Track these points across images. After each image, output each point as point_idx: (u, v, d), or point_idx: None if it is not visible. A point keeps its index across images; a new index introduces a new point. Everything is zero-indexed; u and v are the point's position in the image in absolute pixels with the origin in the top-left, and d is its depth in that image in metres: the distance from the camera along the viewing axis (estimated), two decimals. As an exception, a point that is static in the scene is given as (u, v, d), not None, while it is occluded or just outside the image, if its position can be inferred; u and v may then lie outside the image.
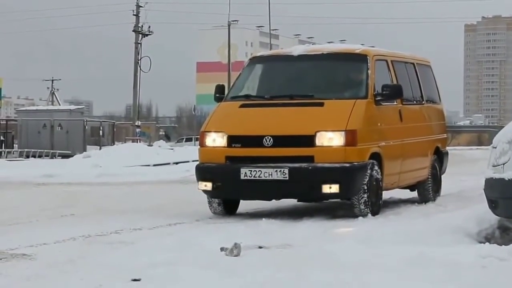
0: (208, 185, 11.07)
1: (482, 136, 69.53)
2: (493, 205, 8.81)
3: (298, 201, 12.17)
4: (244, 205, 11.89)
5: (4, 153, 41.44)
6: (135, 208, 12.76)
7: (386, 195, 12.23)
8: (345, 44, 14.20)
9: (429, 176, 13.10)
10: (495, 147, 8.92)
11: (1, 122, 46.90)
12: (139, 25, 47.69)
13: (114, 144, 44.40)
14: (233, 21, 68.10)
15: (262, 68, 12.26)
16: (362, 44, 12.76)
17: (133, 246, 8.41)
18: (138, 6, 48.14)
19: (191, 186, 13.15)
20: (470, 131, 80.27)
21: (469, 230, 9.02)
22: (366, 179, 10.81)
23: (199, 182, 11.22)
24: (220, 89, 11.97)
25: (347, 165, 10.63)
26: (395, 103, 11.91)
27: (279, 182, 10.64)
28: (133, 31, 47.80)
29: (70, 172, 22.04)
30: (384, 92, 11.40)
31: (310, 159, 10.65)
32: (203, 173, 11.21)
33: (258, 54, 12.95)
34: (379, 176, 11.17)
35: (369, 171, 10.87)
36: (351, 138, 10.67)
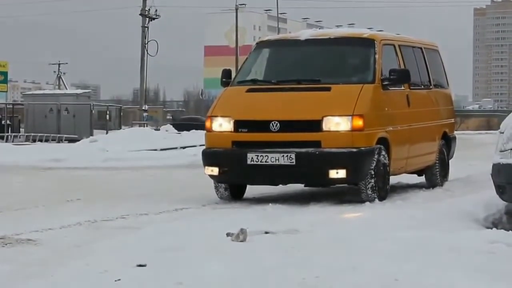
0: (215, 170, 11.04)
1: (491, 121, 69.34)
2: (500, 190, 8.78)
3: (305, 186, 12.13)
4: (251, 190, 11.86)
5: (11, 137, 41.44)
6: (141, 193, 12.74)
7: (393, 180, 12.18)
8: (353, 29, 14.15)
9: (437, 161, 13.05)
10: (503, 132, 8.88)
11: (8, 106, 46.85)
12: (146, 8, 47.54)
13: (121, 128, 44.33)
14: (240, 4, 68.05)
15: (269, 52, 12.19)
16: (369, 28, 12.70)
17: (139, 231, 8.40)
18: (145, -11, 47.93)
19: (198, 170, 13.11)
20: (479, 116, 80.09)
21: (476, 215, 9.00)
22: (373, 164, 10.77)
23: (206, 167, 11.19)
24: (226, 73, 11.91)
25: (354, 150, 10.59)
26: (402, 88, 11.85)
27: (286, 167, 10.60)
28: (140, 14, 47.66)
29: (77, 156, 22.03)
30: (391, 77, 11.34)
31: (317, 144, 10.60)
32: (209, 158, 11.18)
33: (265, 38, 12.88)
34: (386, 161, 11.12)
35: (376, 156, 10.82)
36: (358, 123, 10.61)
